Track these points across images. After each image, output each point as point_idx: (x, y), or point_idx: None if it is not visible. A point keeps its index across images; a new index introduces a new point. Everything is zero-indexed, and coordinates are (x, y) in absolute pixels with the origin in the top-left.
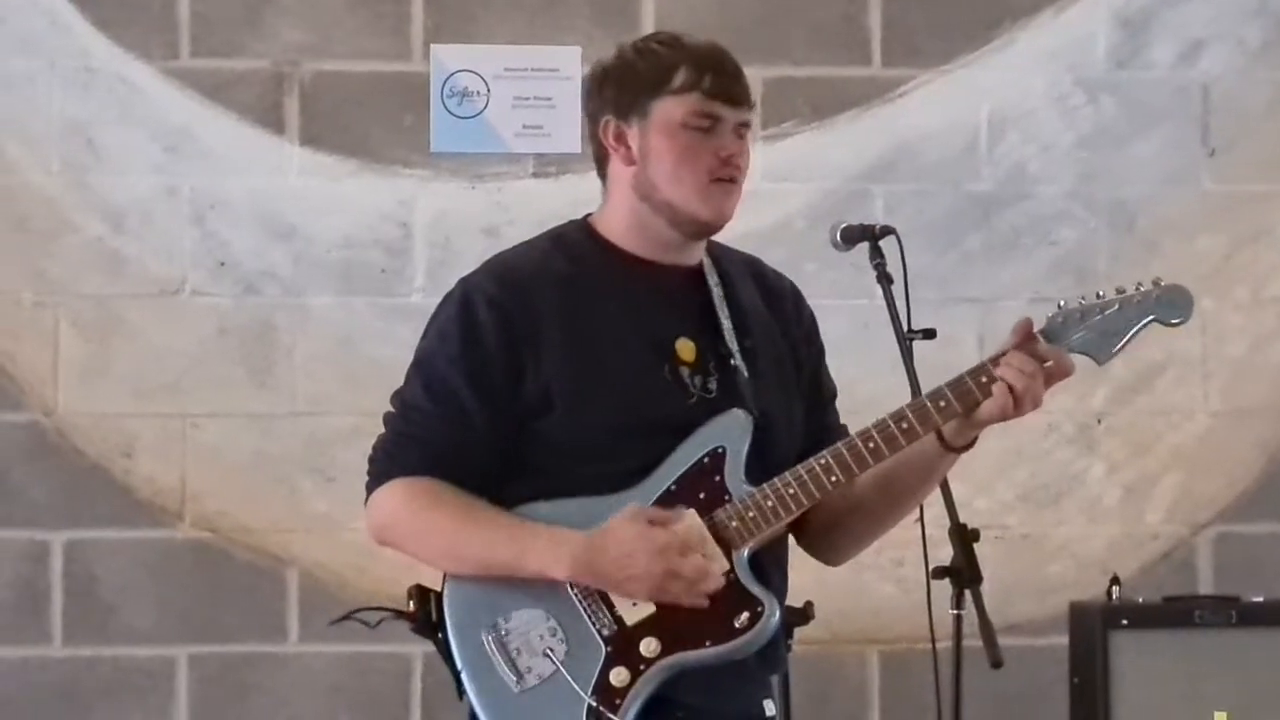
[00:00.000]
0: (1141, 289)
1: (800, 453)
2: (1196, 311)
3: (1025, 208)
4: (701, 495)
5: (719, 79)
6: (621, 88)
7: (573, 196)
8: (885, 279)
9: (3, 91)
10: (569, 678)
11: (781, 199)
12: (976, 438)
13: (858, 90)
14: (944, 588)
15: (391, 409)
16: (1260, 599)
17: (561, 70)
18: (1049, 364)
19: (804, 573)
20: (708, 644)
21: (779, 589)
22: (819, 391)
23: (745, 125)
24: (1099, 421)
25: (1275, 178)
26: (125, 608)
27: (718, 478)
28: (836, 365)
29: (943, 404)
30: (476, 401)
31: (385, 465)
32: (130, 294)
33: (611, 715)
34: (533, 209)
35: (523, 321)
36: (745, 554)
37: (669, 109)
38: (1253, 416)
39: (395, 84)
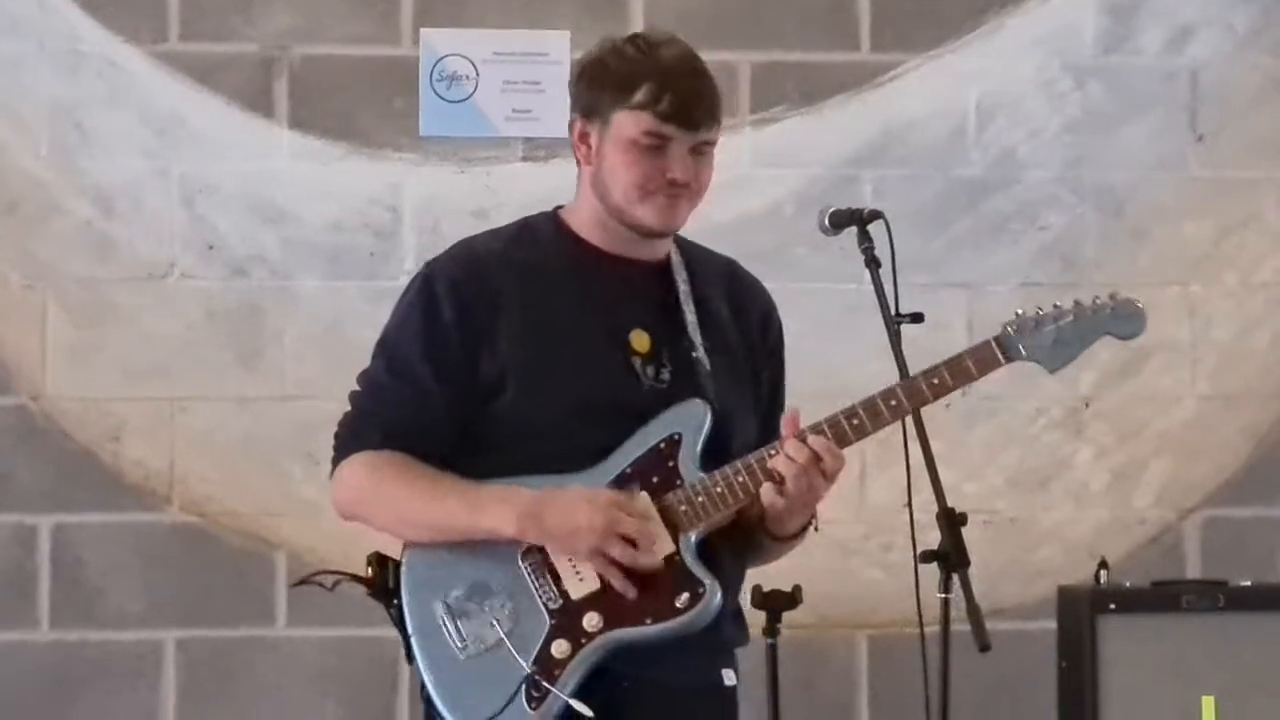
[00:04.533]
0: (1097, 301)
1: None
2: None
3: (1013, 193)
4: (655, 479)
5: (677, 102)
6: (589, 89)
7: (561, 181)
8: (873, 263)
9: None
10: (511, 647)
11: (770, 184)
12: (808, 525)
13: (847, 75)
14: (932, 572)
15: (357, 387)
16: (1248, 583)
17: (551, 54)
18: (821, 460)
19: (792, 557)
20: (648, 621)
21: (730, 574)
22: (773, 407)
23: (706, 143)
24: (1087, 406)
25: (1263, 163)
26: (113, 591)
27: (672, 463)
28: (825, 349)
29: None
30: (435, 380)
31: (349, 441)
32: (119, 277)
33: (549, 685)
34: (522, 193)
35: (481, 305)
36: (693, 538)
37: (625, 123)
38: (1240, 401)
39: (384, 68)
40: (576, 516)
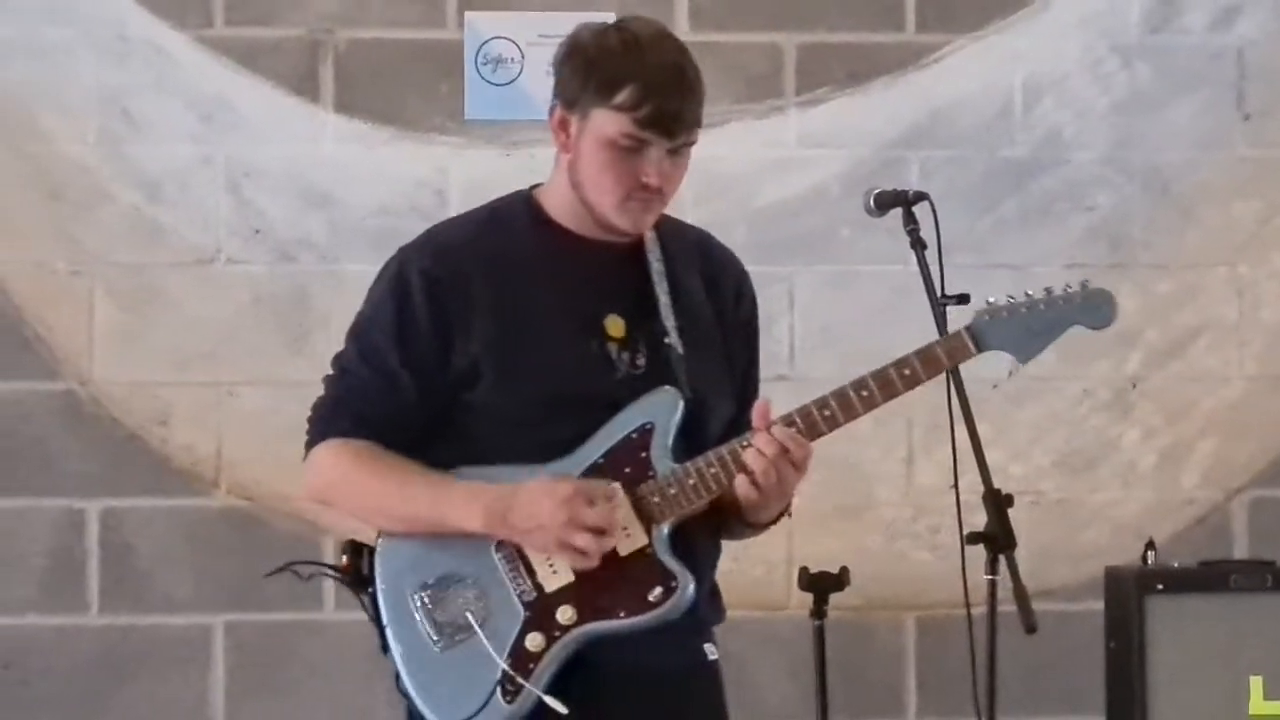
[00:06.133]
0: (1068, 290)
1: (721, 437)
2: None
3: (1060, 173)
4: (627, 470)
5: (658, 109)
6: (572, 79)
7: None
8: (919, 245)
9: (38, 61)
10: (485, 641)
11: (816, 165)
12: (781, 514)
13: (892, 56)
14: (979, 553)
15: (330, 372)
16: None
17: None
18: (789, 452)
19: (840, 539)
20: (621, 615)
21: (704, 556)
22: (747, 384)
23: (686, 144)
24: (1134, 386)
25: None
26: (162, 576)
27: (644, 454)
28: (870, 331)
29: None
30: (406, 369)
31: (321, 426)
32: (166, 262)
33: (523, 680)
34: None
35: (452, 293)
36: (665, 530)
37: (604, 121)
38: None
39: (429, 51)
40: (539, 511)
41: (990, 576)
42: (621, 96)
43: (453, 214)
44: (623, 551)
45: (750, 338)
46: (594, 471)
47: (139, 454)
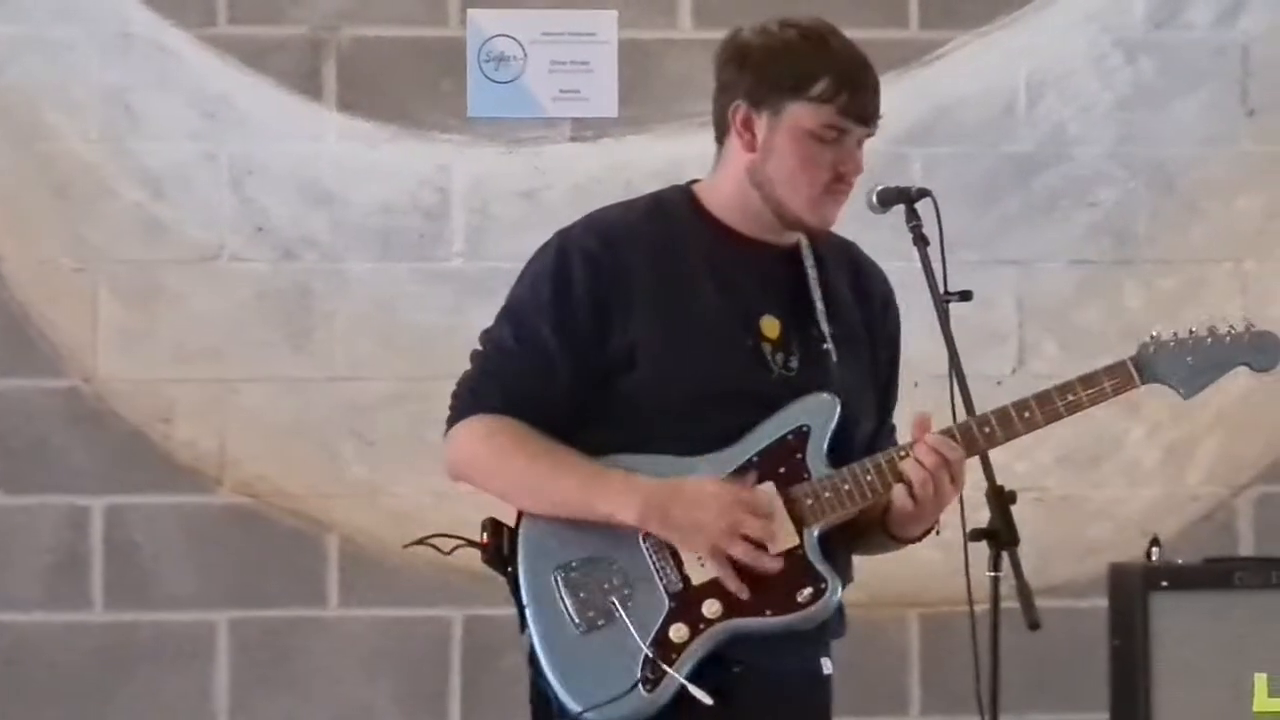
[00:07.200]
0: (1234, 330)
1: (863, 450)
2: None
3: (1064, 169)
4: (781, 470)
5: (857, 96)
6: (760, 77)
7: (610, 161)
8: (922, 241)
9: (41, 59)
10: (631, 626)
11: None
12: (929, 531)
13: (895, 53)
14: (983, 550)
15: (479, 347)
16: None
17: (599, 34)
18: (950, 465)
19: None
20: (768, 613)
21: (843, 570)
22: (887, 397)
23: (871, 134)
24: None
25: None
26: (166, 573)
27: (799, 456)
28: None
29: (1028, 414)
30: (561, 351)
31: (468, 401)
32: (169, 260)
33: (667, 668)
34: (570, 173)
35: (615, 279)
36: (816, 532)
37: (802, 115)
38: None
39: (432, 49)
40: (702, 513)
41: (993, 573)
42: (819, 88)
43: (455, 213)
44: (773, 551)
45: (894, 353)
46: (747, 469)
47: (143, 451)
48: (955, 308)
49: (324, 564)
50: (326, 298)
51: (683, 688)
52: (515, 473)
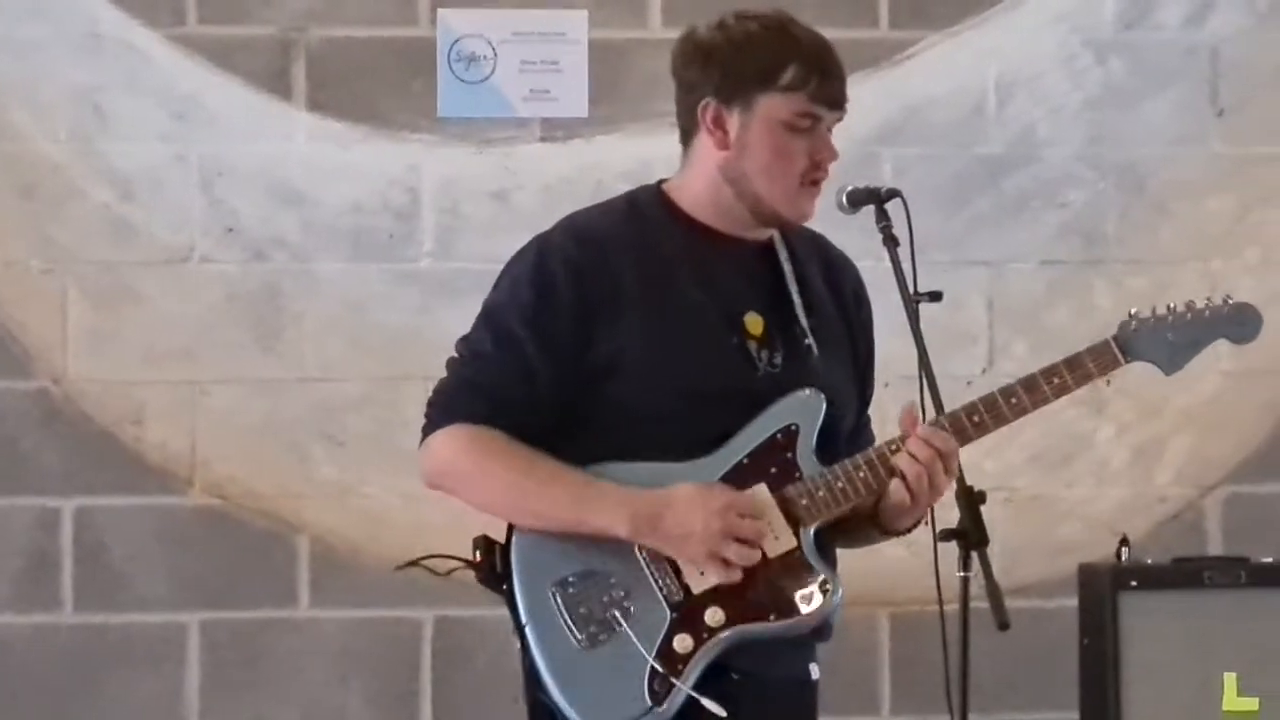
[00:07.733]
0: (1211, 304)
1: (846, 443)
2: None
3: (1034, 170)
4: (773, 471)
5: (825, 82)
6: (727, 72)
7: (580, 161)
8: (891, 241)
9: (10, 58)
10: (635, 640)
11: None
12: (918, 523)
13: (865, 53)
14: (952, 550)
15: (456, 354)
16: (1269, 560)
17: (569, 34)
18: (945, 456)
19: None
20: (771, 618)
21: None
22: (864, 387)
23: (840, 119)
24: (1108, 382)
25: None
26: (136, 574)
27: (790, 454)
28: None
29: (1013, 401)
30: (542, 357)
31: (447, 409)
32: (138, 261)
33: (676, 680)
34: (541, 174)
35: (598, 283)
36: (812, 532)
37: (774, 106)
38: (1262, 377)
39: (402, 49)
40: (692, 521)
41: (962, 573)
42: (788, 76)
43: (425, 213)
44: (770, 554)
45: (869, 345)
46: (739, 471)
47: (112, 453)
48: (925, 308)
49: (294, 565)
50: (296, 298)
51: (689, 699)
52: (500, 485)
